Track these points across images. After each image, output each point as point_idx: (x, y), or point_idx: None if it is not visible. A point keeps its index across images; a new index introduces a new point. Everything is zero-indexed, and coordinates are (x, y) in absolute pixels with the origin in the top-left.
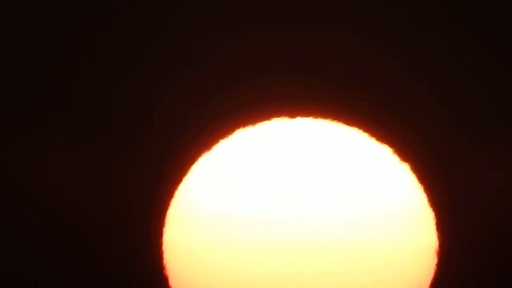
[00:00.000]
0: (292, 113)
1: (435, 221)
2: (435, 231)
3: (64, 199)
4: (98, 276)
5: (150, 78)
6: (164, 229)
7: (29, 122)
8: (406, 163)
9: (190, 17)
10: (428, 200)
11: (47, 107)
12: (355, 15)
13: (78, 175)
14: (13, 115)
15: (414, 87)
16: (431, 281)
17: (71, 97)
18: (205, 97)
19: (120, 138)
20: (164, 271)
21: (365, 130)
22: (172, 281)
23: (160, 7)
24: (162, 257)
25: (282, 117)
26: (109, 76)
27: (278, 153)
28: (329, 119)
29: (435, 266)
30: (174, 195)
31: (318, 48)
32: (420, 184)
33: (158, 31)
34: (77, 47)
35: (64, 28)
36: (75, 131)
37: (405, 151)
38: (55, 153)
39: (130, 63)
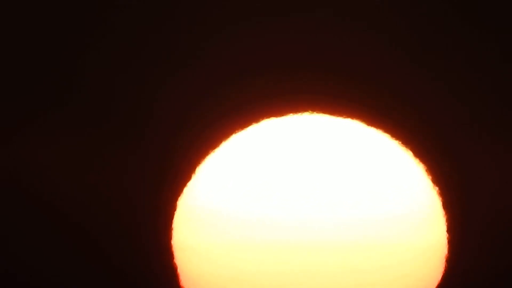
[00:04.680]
0: (303, 110)
1: (447, 223)
2: (447, 232)
3: (67, 202)
4: (107, 280)
5: (152, 73)
6: (172, 229)
7: (27, 116)
8: (422, 165)
9: (189, 10)
10: (441, 202)
11: (47, 106)
12: (372, 9)
13: (82, 177)
14: (9, 106)
15: (432, 88)
16: (439, 281)
17: (70, 94)
18: (211, 94)
19: (124, 138)
20: (175, 272)
21: (380, 129)
22: (182, 281)
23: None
24: (173, 258)
25: (292, 114)
26: (107, 74)
27: (289, 152)
28: (343, 117)
29: (444, 267)
30: (181, 195)
31: (332, 43)
32: (434, 186)
33: (158, 23)
34: (69, 46)
35: (56, 27)
36: (72, 129)
37: (420, 152)
38: (55, 154)
39: (126, 59)
